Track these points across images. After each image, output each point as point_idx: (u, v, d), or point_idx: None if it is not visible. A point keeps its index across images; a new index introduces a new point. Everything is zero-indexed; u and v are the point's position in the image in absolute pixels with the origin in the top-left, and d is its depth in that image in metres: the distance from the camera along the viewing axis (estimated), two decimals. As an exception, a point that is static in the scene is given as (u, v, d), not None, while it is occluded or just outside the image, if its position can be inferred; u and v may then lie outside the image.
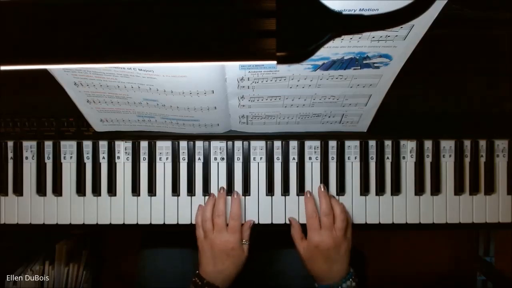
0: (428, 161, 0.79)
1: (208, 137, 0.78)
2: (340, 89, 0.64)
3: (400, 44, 0.55)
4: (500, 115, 0.77)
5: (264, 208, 0.78)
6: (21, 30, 0.33)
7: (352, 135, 0.77)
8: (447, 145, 0.79)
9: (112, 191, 0.78)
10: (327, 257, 0.70)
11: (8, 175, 0.79)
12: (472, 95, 0.77)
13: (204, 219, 0.73)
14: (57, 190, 0.78)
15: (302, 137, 0.78)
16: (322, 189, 0.74)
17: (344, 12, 0.46)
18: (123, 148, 0.79)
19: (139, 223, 0.78)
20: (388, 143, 0.79)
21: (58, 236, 1.13)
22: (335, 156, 0.79)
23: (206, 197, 0.78)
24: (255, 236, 0.76)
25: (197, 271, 0.73)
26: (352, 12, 0.48)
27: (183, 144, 0.79)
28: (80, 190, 0.78)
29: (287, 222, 0.77)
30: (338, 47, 0.56)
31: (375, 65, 0.59)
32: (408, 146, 0.79)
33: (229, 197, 0.76)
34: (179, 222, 0.78)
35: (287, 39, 0.32)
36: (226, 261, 0.71)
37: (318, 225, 0.71)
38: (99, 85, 0.63)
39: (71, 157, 0.79)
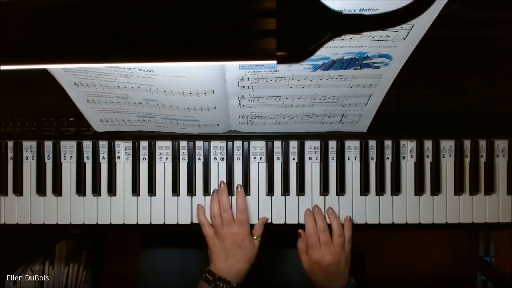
0: (428, 161, 0.79)
1: (208, 137, 0.78)
2: (340, 89, 0.64)
3: (400, 44, 0.55)
4: (500, 115, 0.77)
5: (264, 208, 0.78)
6: (21, 30, 0.33)
7: (352, 135, 0.77)
8: (447, 145, 0.79)
9: (112, 191, 0.78)
10: (327, 272, 0.71)
11: (8, 175, 0.79)
12: (472, 95, 0.77)
13: (213, 216, 0.74)
14: (57, 190, 0.78)
15: (302, 137, 0.78)
16: (316, 209, 0.76)
17: (344, 12, 0.46)
18: (123, 148, 0.79)
19: (139, 223, 0.78)
20: (388, 143, 0.79)
21: (58, 236, 1.13)
22: (335, 156, 0.79)
23: (206, 197, 0.78)
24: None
25: (208, 268, 0.73)
26: (352, 12, 0.48)
27: (183, 144, 0.79)
28: (80, 190, 0.78)
29: (288, 222, 0.78)
30: (338, 47, 0.56)
31: (375, 65, 0.59)
32: (408, 146, 0.79)
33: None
34: (179, 222, 0.78)
35: (287, 39, 0.32)
36: (237, 253, 0.71)
37: (318, 243, 0.72)
38: (99, 85, 0.63)
39: (71, 157, 0.79)
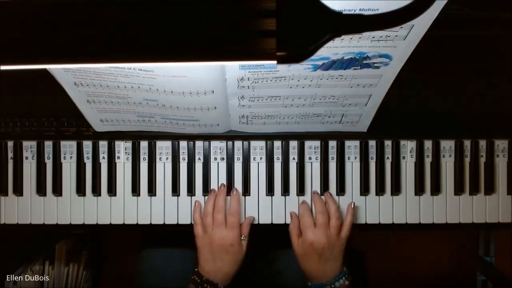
0: (428, 161, 0.79)
1: (208, 137, 0.78)
2: (340, 89, 0.64)
3: (400, 44, 0.55)
4: (500, 115, 0.77)
5: (264, 208, 0.78)
6: (21, 30, 0.33)
7: (352, 135, 0.77)
8: (447, 145, 0.79)
9: (112, 191, 0.78)
10: (321, 256, 0.70)
11: (8, 175, 0.79)
12: (472, 95, 0.77)
13: (205, 214, 0.73)
14: (57, 190, 0.78)
15: (302, 137, 0.78)
16: (316, 194, 0.76)
17: (344, 12, 0.46)
18: (123, 148, 0.79)
19: (139, 223, 0.78)
20: (388, 143, 0.79)
21: (58, 236, 1.13)
22: (335, 156, 0.79)
23: (206, 197, 0.78)
24: (255, 236, 0.76)
25: (196, 269, 0.73)
26: (352, 12, 0.48)
27: (183, 144, 0.79)
28: (80, 190, 0.78)
29: (287, 222, 0.77)
30: (338, 47, 0.56)
31: (375, 65, 0.59)
32: (408, 146, 0.79)
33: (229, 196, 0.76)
34: (179, 222, 0.78)
35: (287, 39, 0.32)
36: (224, 257, 0.71)
37: (312, 223, 0.72)
38: (99, 85, 0.63)
39: (71, 157, 0.79)
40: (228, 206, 0.74)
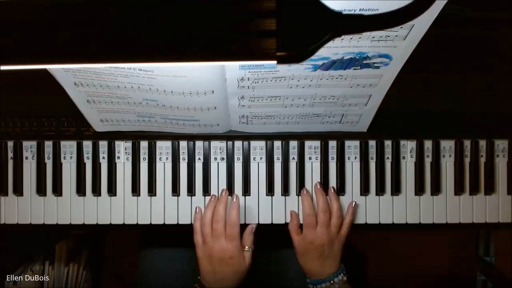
0: (428, 161, 0.79)
1: (208, 137, 0.78)
2: (340, 89, 0.64)
3: (400, 44, 0.55)
4: (500, 115, 0.77)
5: (264, 208, 0.78)
6: (21, 30, 0.33)
7: (352, 135, 0.77)
8: (447, 145, 0.79)
9: (112, 191, 0.78)
10: (320, 253, 0.71)
11: (8, 175, 0.79)
12: (472, 95, 0.77)
13: (203, 223, 0.72)
14: (57, 190, 0.78)
15: (302, 137, 0.78)
16: (319, 186, 0.75)
17: (344, 12, 0.46)
18: (123, 148, 0.79)
19: (139, 223, 0.78)
20: (388, 143, 0.79)
21: (58, 236, 1.13)
22: (335, 156, 0.79)
23: (206, 197, 0.78)
24: (255, 236, 0.75)
25: (199, 277, 0.73)
26: (352, 12, 0.48)
27: (183, 144, 0.79)
28: (80, 190, 0.78)
29: (288, 222, 0.77)
30: (338, 47, 0.56)
31: (375, 65, 0.59)
32: (408, 146, 0.79)
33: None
34: (179, 222, 0.78)
35: (287, 39, 0.32)
36: (224, 270, 0.70)
37: (315, 223, 0.72)
38: (99, 85, 0.63)
39: (71, 157, 0.79)
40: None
